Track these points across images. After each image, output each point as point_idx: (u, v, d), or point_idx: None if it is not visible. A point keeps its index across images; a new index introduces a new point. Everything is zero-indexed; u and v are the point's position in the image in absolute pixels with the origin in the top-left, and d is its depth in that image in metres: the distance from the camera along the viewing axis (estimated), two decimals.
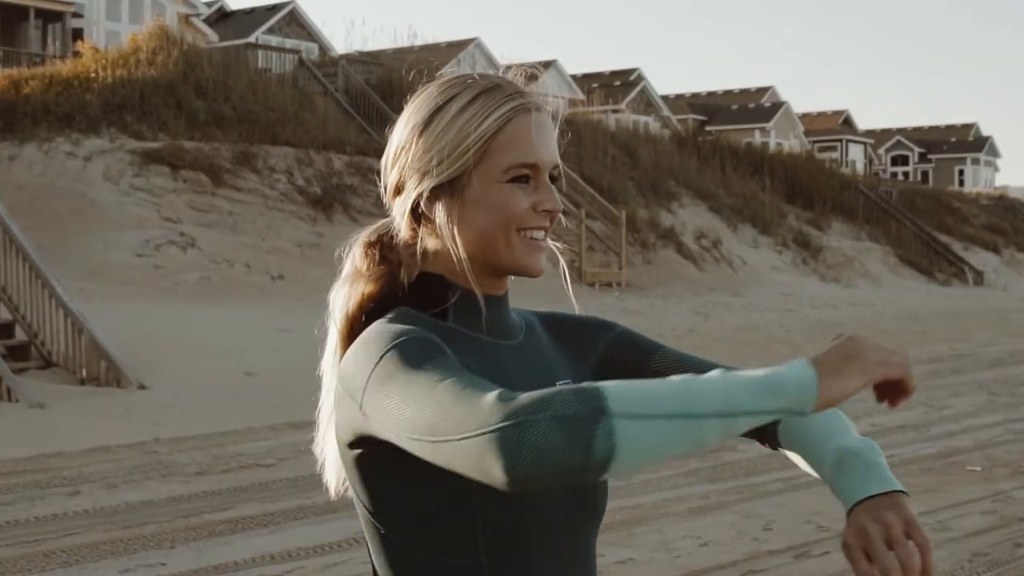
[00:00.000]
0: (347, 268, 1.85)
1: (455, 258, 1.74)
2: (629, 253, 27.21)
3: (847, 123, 79.37)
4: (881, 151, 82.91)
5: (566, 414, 1.38)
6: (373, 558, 1.75)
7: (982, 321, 25.86)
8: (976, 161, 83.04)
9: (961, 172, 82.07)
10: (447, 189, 1.74)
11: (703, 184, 34.61)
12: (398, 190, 1.80)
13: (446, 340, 1.70)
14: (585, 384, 1.42)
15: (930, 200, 45.86)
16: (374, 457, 1.66)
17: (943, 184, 68.98)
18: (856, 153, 73.69)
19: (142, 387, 13.13)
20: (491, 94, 1.75)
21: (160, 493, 8.65)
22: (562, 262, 1.89)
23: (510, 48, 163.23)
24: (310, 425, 1.90)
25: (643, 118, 50.89)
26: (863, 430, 1.52)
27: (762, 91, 73.95)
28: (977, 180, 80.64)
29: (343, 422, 1.67)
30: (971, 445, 10.99)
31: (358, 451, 1.68)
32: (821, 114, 79.94)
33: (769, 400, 1.42)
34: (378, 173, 1.86)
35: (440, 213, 1.75)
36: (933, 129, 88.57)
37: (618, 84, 59.95)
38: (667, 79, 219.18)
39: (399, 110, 1.83)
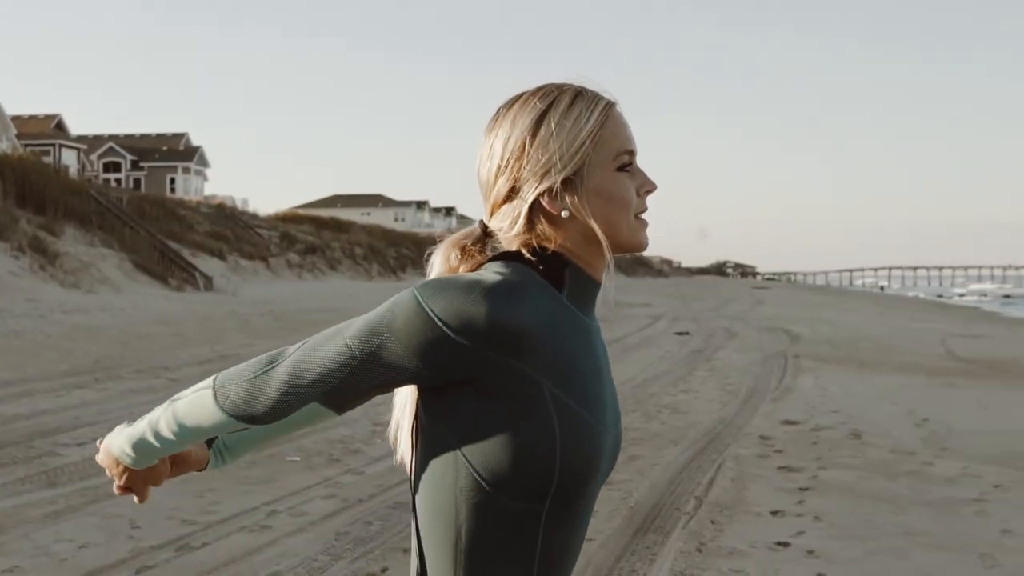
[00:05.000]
0: (440, 271, 2.01)
1: (602, 238, 1.94)
2: None
3: (60, 127, 78.22)
4: (93, 157, 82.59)
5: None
6: (434, 490, 1.92)
7: (226, 324, 26.89)
8: (187, 170, 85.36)
9: (173, 180, 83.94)
10: (569, 183, 1.95)
11: None
12: (509, 197, 1.98)
13: (558, 310, 1.92)
14: None
15: (157, 207, 46.62)
16: (478, 401, 1.87)
17: (155, 191, 70.18)
18: (69, 158, 72.82)
19: None
20: (583, 95, 1.98)
21: None
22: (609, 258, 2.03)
23: None
24: None
25: None
26: None
27: None
28: (188, 188, 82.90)
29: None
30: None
31: (461, 392, 1.87)
32: (33, 117, 78.11)
33: None
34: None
35: (570, 204, 1.94)
36: (145, 137, 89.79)
37: None
38: None
39: None
